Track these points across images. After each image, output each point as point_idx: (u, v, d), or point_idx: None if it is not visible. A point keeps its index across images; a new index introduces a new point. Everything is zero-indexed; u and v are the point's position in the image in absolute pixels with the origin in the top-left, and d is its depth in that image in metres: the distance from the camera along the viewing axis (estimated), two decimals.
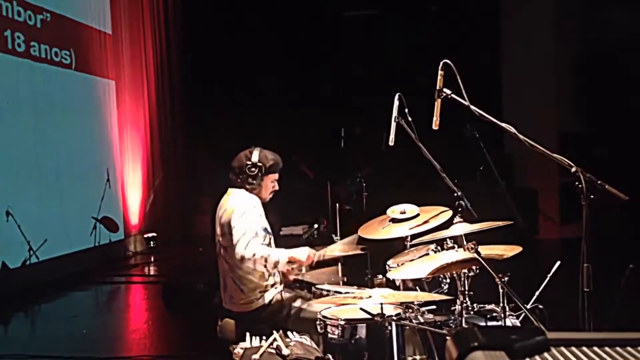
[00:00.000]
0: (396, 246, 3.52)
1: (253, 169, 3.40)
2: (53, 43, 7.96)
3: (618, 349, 0.79)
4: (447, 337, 2.71)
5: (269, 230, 3.44)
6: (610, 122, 8.66)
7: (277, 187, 3.54)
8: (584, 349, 0.79)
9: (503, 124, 2.57)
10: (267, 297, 3.40)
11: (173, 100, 10.73)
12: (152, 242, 9.73)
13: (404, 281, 3.26)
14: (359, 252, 3.59)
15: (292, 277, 3.66)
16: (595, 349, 0.79)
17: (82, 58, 8.53)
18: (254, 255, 3.19)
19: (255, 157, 3.43)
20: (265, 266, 3.24)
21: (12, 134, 7.25)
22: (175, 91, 10.78)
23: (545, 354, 0.78)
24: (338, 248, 3.41)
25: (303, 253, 3.30)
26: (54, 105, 8.00)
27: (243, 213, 3.30)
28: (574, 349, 0.79)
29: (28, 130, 7.56)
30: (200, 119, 10.59)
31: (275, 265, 3.24)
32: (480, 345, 0.76)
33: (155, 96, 10.30)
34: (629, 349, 0.79)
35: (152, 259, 9.38)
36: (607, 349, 0.79)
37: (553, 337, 0.80)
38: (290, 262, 3.28)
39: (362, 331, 2.88)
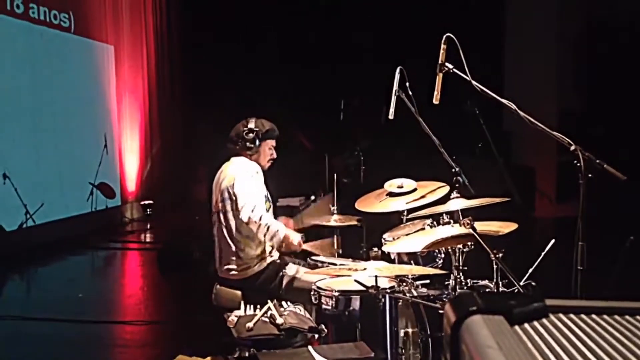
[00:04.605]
0: (392, 220, 3.54)
1: (250, 134, 3.48)
2: (52, 5, 7.86)
3: (616, 317, 0.79)
4: (440, 311, 2.74)
5: (269, 197, 3.50)
6: (611, 101, 8.62)
7: (274, 155, 3.59)
8: (582, 316, 0.80)
9: (504, 100, 2.55)
10: (263, 265, 3.43)
11: (172, 68, 10.65)
12: (148, 210, 9.74)
13: (399, 254, 3.28)
14: (355, 223, 3.61)
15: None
16: (594, 316, 0.80)
17: (81, 21, 8.43)
18: (260, 219, 3.29)
19: (251, 124, 3.53)
20: (265, 235, 3.32)
21: (9, 97, 7.21)
22: (175, 58, 10.69)
23: (544, 320, 0.78)
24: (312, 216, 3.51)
25: (296, 237, 3.42)
26: (52, 68, 7.94)
27: (247, 178, 3.38)
28: (572, 315, 0.80)
29: (25, 94, 7.51)
30: (199, 87, 10.52)
31: (272, 237, 3.34)
32: (479, 309, 0.76)
33: (154, 63, 10.22)
34: (627, 317, 0.79)
35: (149, 226, 9.41)
36: (605, 317, 0.79)
37: (552, 304, 0.81)
38: (284, 240, 3.38)
39: (355, 303, 2.90)
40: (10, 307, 5.19)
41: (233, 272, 3.41)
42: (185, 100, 10.74)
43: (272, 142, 3.57)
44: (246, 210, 3.31)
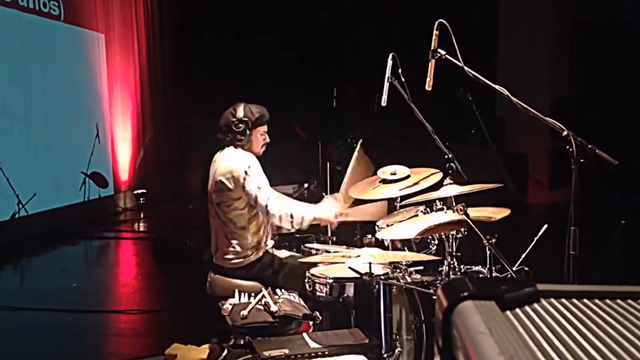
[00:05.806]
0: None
1: (240, 125, 3.38)
2: None
3: (608, 301, 0.80)
4: (434, 297, 2.75)
5: None
6: (605, 87, 8.63)
7: (267, 139, 3.51)
8: (574, 300, 0.80)
9: (496, 86, 2.55)
10: (258, 254, 3.43)
11: (164, 56, 10.57)
12: (142, 199, 9.72)
13: (392, 241, 3.28)
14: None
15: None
16: (585, 301, 0.80)
17: (71, 9, 8.35)
18: (279, 211, 3.28)
19: (240, 112, 3.41)
20: (291, 223, 3.31)
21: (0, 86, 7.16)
22: (167, 46, 10.62)
23: (535, 305, 0.79)
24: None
25: (330, 213, 3.37)
26: (42, 57, 7.87)
27: (249, 169, 3.32)
28: (563, 300, 0.80)
29: (16, 83, 7.45)
30: (192, 75, 10.46)
31: (301, 222, 3.31)
32: (471, 294, 0.76)
33: (145, 51, 10.14)
34: (619, 301, 0.79)
35: (142, 215, 9.39)
36: (596, 301, 0.80)
37: (543, 289, 0.81)
38: (315, 220, 3.36)
39: (350, 290, 2.91)
40: (4, 298, 5.18)
41: (229, 261, 3.41)
42: (178, 88, 10.68)
43: (264, 128, 3.47)
44: (262, 201, 3.29)
